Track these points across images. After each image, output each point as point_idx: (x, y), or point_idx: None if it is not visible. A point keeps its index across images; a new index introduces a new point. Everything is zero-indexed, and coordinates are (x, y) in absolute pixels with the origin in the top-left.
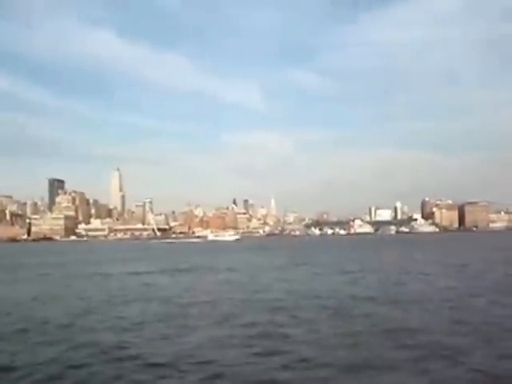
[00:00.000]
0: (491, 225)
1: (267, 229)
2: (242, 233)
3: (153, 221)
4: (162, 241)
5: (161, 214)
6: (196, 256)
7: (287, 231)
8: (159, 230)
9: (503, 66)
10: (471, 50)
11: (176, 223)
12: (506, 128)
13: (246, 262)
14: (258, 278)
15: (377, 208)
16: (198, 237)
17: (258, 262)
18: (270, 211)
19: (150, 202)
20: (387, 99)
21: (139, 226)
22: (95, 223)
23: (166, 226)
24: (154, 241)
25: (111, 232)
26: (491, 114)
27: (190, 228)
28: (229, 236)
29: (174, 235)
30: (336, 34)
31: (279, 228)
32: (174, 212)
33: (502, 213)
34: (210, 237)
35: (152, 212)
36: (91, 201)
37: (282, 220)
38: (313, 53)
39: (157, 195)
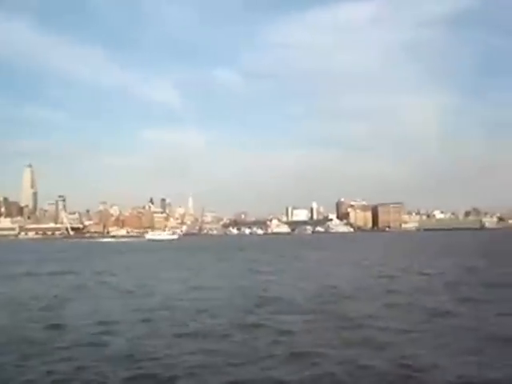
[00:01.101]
0: (403, 225)
1: (185, 228)
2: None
3: (66, 219)
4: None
5: (75, 213)
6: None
7: (205, 231)
8: (73, 229)
9: (417, 70)
10: (385, 55)
11: (90, 222)
12: (417, 131)
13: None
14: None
15: (294, 208)
16: (113, 236)
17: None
18: (188, 210)
19: (64, 200)
20: (303, 100)
21: (52, 225)
22: (5, 222)
23: (80, 225)
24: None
25: (22, 231)
26: (403, 117)
27: (105, 227)
28: (167, 235)
29: (88, 234)
30: (253, 35)
31: (197, 227)
32: (88, 211)
33: (414, 214)
34: (148, 236)
35: (66, 210)
36: (1, 198)
37: (199, 219)
38: (230, 53)
39: (71, 193)
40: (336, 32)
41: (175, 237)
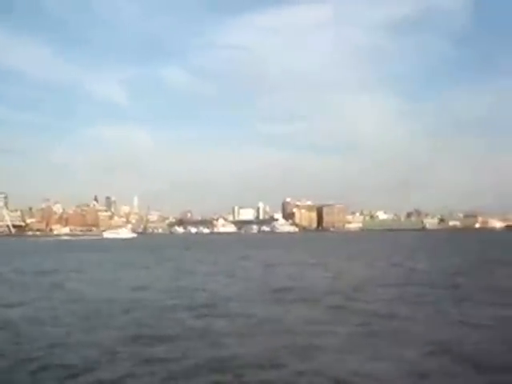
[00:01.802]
0: (347, 225)
1: (129, 227)
2: (103, 231)
3: (8, 217)
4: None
5: (17, 210)
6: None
7: (150, 230)
8: (14, 226)
9: (364, 73)
10: (334, 58)
11: (33, 220)
12: (362, 133)
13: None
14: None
15: (240, 208)
16: (57, 235)
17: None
18: (133, 209)
19: (5, 197)
20: (250, 100)
21: None
22: None
23: (22, 223)
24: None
25: None
26: (348, 118)
27: (47, 225)
28: (124, 233)
29: (30, 233)
30: (203, 35)
31: (142, 226)
32: (31, 208)
33: (357, 214)
34: (106, 234)
35: (7, 208)
36: None
37: (144, 218)
38: (179, 52)
39: (13, 190)
40: (285, 34)
41: (134, 235)
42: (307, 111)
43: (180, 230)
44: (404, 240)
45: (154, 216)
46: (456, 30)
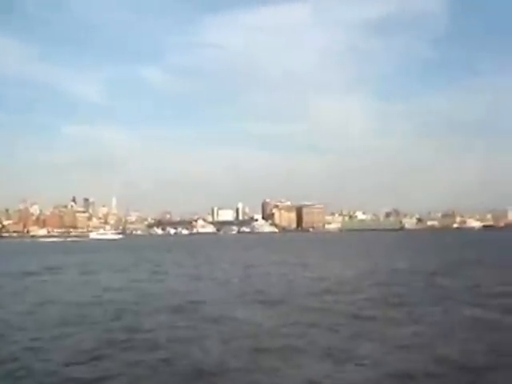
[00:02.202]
0: (326, 226)
1: (108, 228)
2: (81, 232)
3: None
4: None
5: None
6: None
7: (129, 231)
8: None
9: (345, 73)
10: (314, 57)
11: (10, 222)
12: (341, 133)
13: None
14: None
15: (219, 208)
16: (33, 236)
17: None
18: (112, 210)
19: None
20: (230, 99)
21: None
22: None
23: None
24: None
25: None
26: (328, 118)
27: (25, 227)
28: (112, 235)
29: (7, 234)
30: (183, 34)
31: (121, 227)
32: (7, 210)
33: (337, 215)
34: (92, 235)
35: None
36: None
37: (123, 219)
38: (161, 51)
39: None
40: (267, 33)
41: (120, 236)
42: (289, 112)
43: (159, 231)
44: (383, 240)
45: (132, 217)
46: (436, 31)
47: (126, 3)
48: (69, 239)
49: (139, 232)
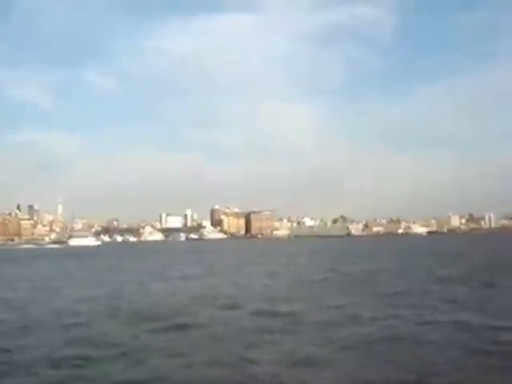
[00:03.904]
0: (275, 232)
1: (54, 236)
2: (26, 240)
3: None
4: None
5: None
6: None
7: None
8: None
9: (291, 81)
10: (261, 64)
11: None
12: (288, 140)
13: None
14: None
15: (168, 215)
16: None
17: None
18: (57, 217)
19: None
20: (178, 104)
21: None
22: None
23: None
24: None
25: None
26: (275, 125)
27: None
28: (90, 241)
29: None
30: (132, 38)
31: (66, 235)
32: None
33: (285, 221)
34: (72, 242)
35: None
36: None
37: (69, 227)
38: (108, 55)
39: None
40: (217, 40)
41: (98, 243)
42: (238, 119)
43: (106, 238)
44: (330, 245)
45: (78, 224)
46: (385, 39)
47: (72, 5)
48: (49, 246)
49: (132, 239)
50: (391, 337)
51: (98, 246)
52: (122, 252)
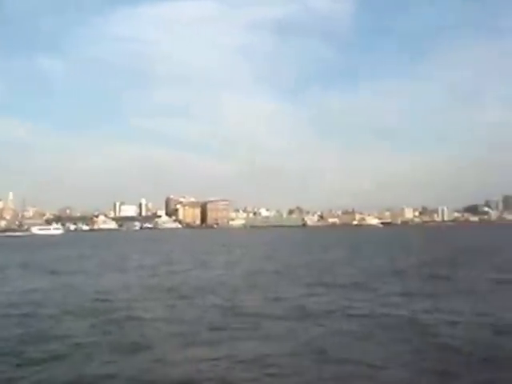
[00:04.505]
0: (231, 222)
1: (4, 224)
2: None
3: None
4: None
5: None
6: None
7: (26, 226)
8: None
9: (246, 72)
10: (218, 54)
11: None
12: (244, 130)
13: None
14: None
15: (122, 204)
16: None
17: None
18: (7, 205)
19: None
20: (131, 94)
21: None
22: None
23: None
24: None
25: None
26: (231, 116)
27: None
28: (54, 230)
29: None
30: (91, 26)
31: (17, 223)
32: None
33: (241, 211)
34: (35, 230)
35: None
36: None
37: (20, 215)
38: (65, 43)
39: None
40: (178, 28)
41: (61, 232)
42: (197, 108)
43: (58, 226)
44: (285, 235)
45: (30, 212)
46: (339, 34)
47: None
48: (6, 234)
49: (85, 227)
50: (337, 332)
51: (62, 234)
52: (83, 241)
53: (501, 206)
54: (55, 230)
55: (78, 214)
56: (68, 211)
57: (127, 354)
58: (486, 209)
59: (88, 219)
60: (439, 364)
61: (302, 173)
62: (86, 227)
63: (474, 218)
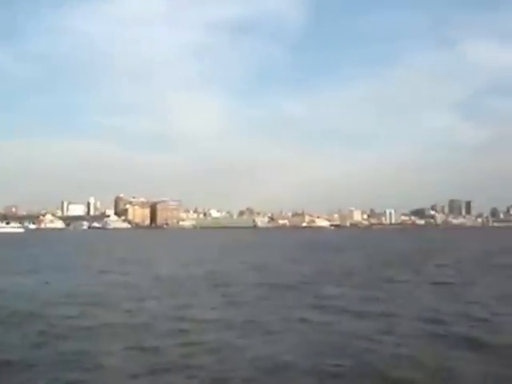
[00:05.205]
0: (181, 223)
1: None
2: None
3: None
4: None
5: None
6: None
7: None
8: None
9: (200, 70)
10: (172, 51)
11: None
12: (196, 129)
13: None
14: None
15: (70, 203)
16: None
17: None
18: None
19: None
20: (85, 90)
21: None
22: None
23: None
24: None
25: None
26: (183, 114)
27: None
28: (12, 228)
29: None
30: (42, 20)
31: None
32: None
33: (191, 212)
34: None
35: None
36: None
37: None
38: (15, 36)
39: None
40: (129, 25)
41: (21, 230)
42: (145, 106)
43: (3, 225)
44: (234, 236)
45: None
46: (291, 36)
47: None
48: None
49: (31, 226)
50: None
51: (22, 232)
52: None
53: (446, 209)
54: (14, 228)
55: (25, 213)
56: (14, 209)
57: None
58: (433, 212)
59: (35, 218)
60: None
61: (252, 174)
62: (32, 226)
63: (421, 222)
